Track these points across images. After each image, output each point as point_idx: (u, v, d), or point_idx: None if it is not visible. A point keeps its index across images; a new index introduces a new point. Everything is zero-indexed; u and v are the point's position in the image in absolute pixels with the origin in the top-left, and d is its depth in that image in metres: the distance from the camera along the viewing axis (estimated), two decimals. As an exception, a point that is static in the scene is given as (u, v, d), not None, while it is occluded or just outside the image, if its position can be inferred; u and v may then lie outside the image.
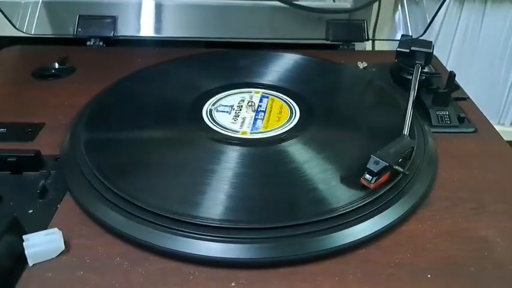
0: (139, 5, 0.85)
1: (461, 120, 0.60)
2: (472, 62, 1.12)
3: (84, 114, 0.57)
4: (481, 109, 0.65)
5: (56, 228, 0.41)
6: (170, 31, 0.86)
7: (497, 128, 0.61)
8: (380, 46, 0.93)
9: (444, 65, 0.78)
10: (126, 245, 0.42)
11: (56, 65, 0.74)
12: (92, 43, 0.82)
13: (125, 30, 0.83)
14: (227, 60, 0.74)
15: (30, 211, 0.46)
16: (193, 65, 0.72)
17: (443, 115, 0.60)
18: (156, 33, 0.85)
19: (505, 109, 1.18)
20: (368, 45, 0.92)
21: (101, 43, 0.82)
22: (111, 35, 0.82)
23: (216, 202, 0.45)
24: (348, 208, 0.44)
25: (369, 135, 0.56)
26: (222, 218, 0.43)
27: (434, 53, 0.65)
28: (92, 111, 0.58)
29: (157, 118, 0.59)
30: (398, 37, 0.69)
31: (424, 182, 0.49)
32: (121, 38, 0.83)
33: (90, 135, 0.54)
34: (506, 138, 0.59)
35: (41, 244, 0.40)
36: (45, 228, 0.42)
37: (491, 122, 0.63)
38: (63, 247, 0.41)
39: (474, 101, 0.66)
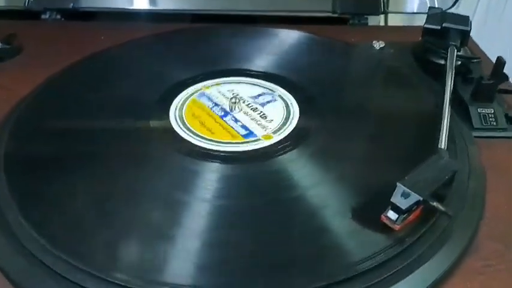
0: (106, -31, 0.76)
1: (510, 120, 0.49)
2: (495, 35, 1.01)
3: (12, 117, 0.44)
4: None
5: None
6: (144, 2, 0.76)
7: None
8: (392, 21, 0.82)
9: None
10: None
11: None
12: (47, 16, 0.73)
13: (87, 0, 0.74)
14: (206, 40, 0.62)
15: None
16: (164, 46, 0.60)
17: (487, 114, 0.49)
18: (126, 4, 0.76)
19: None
20: (381, 20, 0.81)
21: (58, 16, 0.73)
22: (70, 6, 0.73)
23: (185, 260, 0.33)
24: (369, 265, 0.32)
25: (392, 145, 0.44)
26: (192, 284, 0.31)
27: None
28: (22, 113, 0.45)
29: (112, 124, 0.46)
30: (415, 8, 0.59)
31: (471, 221, 0.37)
32: (82, 10, 0.74)
33: (15, 149, 0.40)
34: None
35: None
36: None
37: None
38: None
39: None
